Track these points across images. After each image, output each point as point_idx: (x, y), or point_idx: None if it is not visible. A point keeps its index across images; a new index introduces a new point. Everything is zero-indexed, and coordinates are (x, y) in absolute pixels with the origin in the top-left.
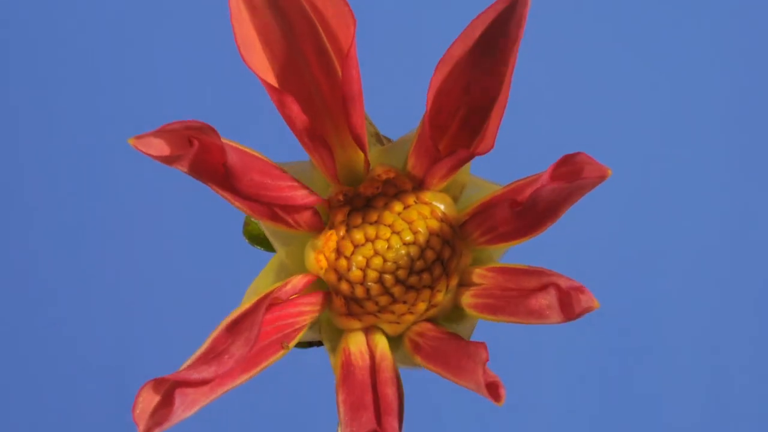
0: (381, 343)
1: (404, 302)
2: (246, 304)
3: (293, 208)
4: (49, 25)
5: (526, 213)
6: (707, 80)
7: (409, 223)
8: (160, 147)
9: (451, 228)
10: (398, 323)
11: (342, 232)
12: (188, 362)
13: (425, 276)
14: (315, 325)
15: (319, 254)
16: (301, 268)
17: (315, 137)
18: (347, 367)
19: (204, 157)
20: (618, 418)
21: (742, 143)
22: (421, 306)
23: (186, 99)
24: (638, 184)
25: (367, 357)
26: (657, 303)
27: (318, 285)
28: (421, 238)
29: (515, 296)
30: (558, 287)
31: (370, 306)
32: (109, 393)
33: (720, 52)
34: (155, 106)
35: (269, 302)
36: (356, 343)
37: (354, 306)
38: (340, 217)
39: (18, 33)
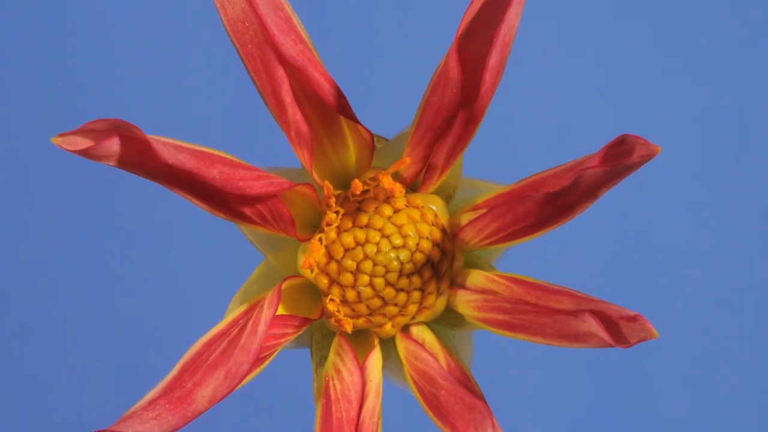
0: (375, 373)
1: (395, 305)
2: (223, 324)
3: (266, 205)
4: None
5: (556, 201)
6: (706, 81)
7: (399, 226)
8: (83, 144)
9: (443, 231)
10: (391, 325)
11: (332, 236)
12: (151, 395)
13: (415, 279)
14: (306, 331)
15: (310, 258)
16: (292, 272)
17: (300, 131)
18: (326, 409)
19: (145, 156)
20: (613, 421)
21: (738, 145)
22: (412, 308)
23: (181, 102)
24: (633, 185)
25: (353, 378)
26: (649, 305)
27: (300, 290)
28: (411, 242)
29: (533, 312)
30: (604, 315)
31: (361, 309)
32: (110, 391)
33: (716, 52)
34: (150, 108)
35: (254, 353)
36: (342, 361)
37: (345, 308)
38: (330, 220)
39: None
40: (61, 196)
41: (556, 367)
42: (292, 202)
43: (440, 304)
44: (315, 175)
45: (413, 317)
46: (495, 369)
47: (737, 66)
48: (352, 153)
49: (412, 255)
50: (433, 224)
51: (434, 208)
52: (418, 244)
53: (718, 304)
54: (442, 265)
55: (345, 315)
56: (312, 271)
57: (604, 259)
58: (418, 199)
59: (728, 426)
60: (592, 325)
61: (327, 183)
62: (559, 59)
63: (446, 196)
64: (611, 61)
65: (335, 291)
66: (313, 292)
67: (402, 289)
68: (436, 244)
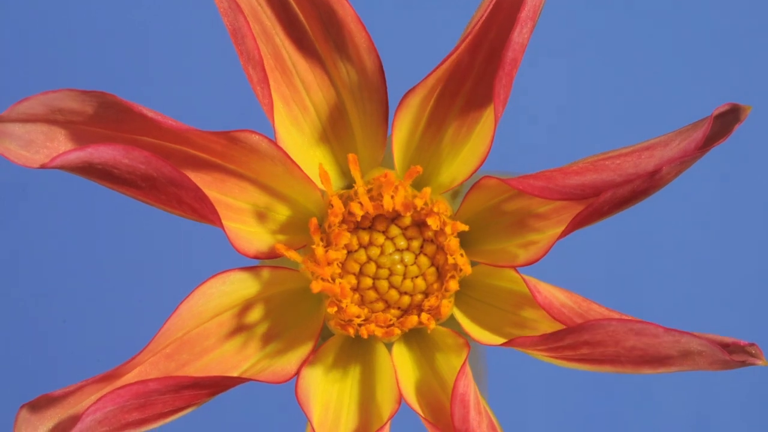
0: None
1: (398, 308)
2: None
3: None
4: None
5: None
6: (706, 81)
7: (403, 229)
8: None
9: (445, 233)
10: (393, 328)
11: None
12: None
13: (419, 282)
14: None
15: (312, 265)
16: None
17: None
18: None
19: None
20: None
21: (739, 145)
22: (415, 311)
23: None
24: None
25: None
26: (649, 306)
27: (299, 294)
28: (415, 244)
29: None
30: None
31: (364, 311)
32: None
33: (716, 51)
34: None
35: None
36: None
37: (348, 311)
38: (332, 221)
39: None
40: (62, 196)
41: (556, 368)
42: (293, 201)
43: (445, 307)
44: (280, 131)
45: (415, 321)
46: (494, 369)
47: (739, 65)
48: (358, 144)
49: (416, 258)
50: (436, 227)
51: (437, 211)
52: (422, 247)
53: (718, 304)
54: (445, 267)
55: (347, 318)
56: (313, 274)
57: (602, 261)
58: (420, 203)
59: (729, 427)
60: (702, 344)
61: (324, 170)
62: (557, 57)
63: (453, 192)
64: (609, 60)
65: (338, 293)
66: (314, 295)
67: (405, 292)
68: (440, 247)
